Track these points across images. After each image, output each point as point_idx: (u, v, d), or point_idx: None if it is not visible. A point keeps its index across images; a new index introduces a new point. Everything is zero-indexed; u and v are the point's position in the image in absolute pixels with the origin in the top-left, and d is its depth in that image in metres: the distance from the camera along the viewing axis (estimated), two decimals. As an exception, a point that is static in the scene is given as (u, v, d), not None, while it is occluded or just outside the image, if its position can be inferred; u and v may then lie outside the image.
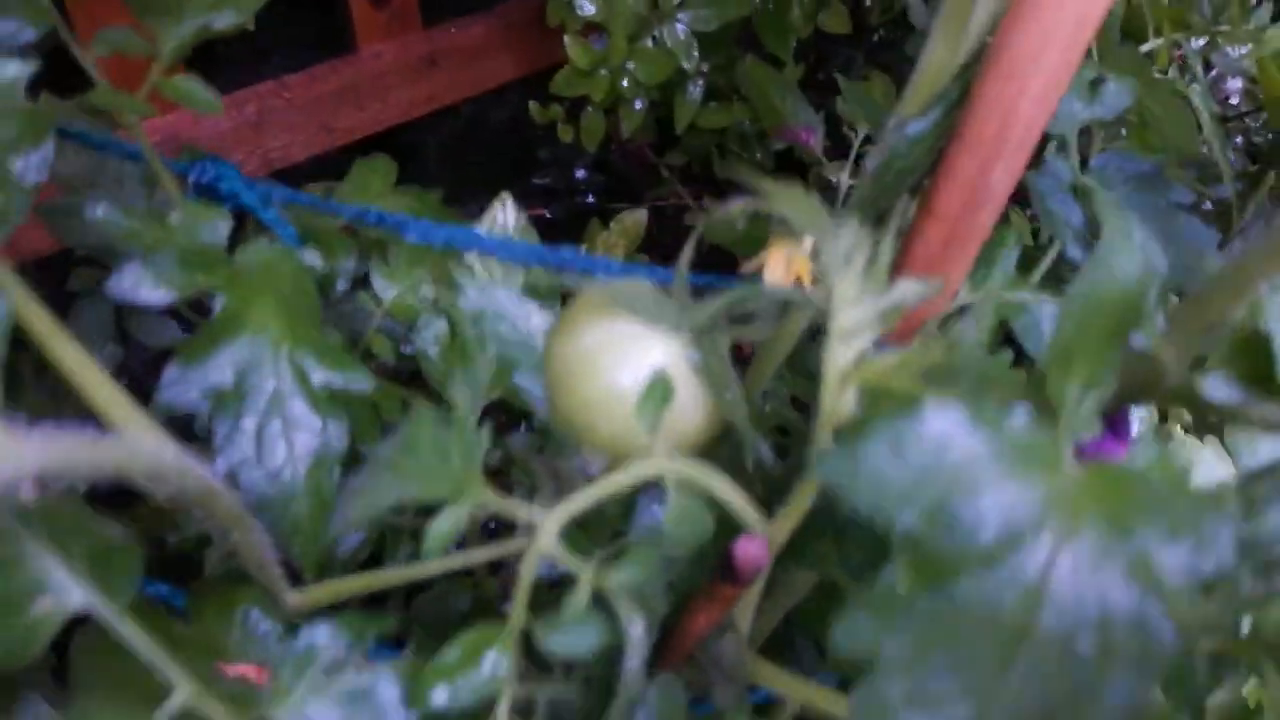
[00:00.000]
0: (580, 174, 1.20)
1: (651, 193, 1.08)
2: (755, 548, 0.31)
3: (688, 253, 0.36)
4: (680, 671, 0.37)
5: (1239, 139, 0.88)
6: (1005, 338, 0.59)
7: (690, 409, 0.32)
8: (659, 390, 0.30)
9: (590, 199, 1.17)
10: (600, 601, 0.29)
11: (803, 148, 0.81)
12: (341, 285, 0.59)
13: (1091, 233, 0.51)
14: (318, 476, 0.44)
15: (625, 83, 0.76)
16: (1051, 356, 0.25)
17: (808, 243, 0.40)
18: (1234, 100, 1.13)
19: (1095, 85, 0.50)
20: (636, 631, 0.28)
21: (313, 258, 0.54)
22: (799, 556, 0.38)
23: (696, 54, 0.77)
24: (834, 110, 0.95)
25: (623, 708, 0.31)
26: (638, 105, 0.79)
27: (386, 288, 0.58)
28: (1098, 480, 0.24)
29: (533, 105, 0.85)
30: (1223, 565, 0.23)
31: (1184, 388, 0.31)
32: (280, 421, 0.44)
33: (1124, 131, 0.57)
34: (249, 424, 0.42)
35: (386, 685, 0.30)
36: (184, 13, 0.49)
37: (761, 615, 0.42)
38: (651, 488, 0.38)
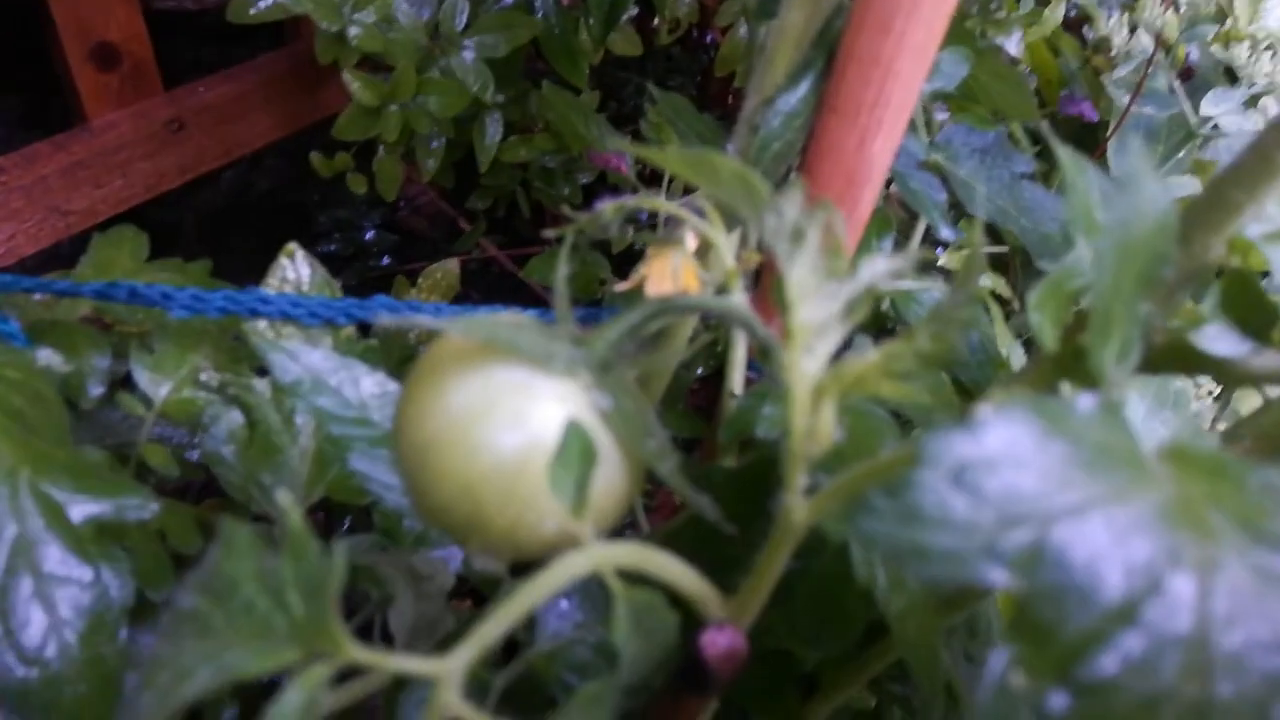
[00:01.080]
0: (369, 235, 1.09)
1: (452, 247, 0.99)
2: (726, 638, 0.23)
3: (563, 269, 0.28)
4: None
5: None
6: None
7: (607, 463, 0.24)
8: (577, 450, 0.21)
9: (385, 261, 1.06)
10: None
11: (615, 174, 0.75)
12: (95, 389, 0.46)
13: (954, 209, 0.47)
14: (95, 646, 0.32)
15: (419, 119, 0.67)
16: (1093, 325, 0.19)
17: (691, 246, 0.33)
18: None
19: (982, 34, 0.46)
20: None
21: (49, 358, 0.42)
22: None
23: (489, 83, 0.69)
24: (637, 136, 0.90)
25: None
26: (434, 144, 0.70)
27: (155, 383, 0.46)
28: (1187, 473, 0.18)
29: (314, 157, 0.74)
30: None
31: (1177, 346, 0.26)
32: (31, 579, 0.31)
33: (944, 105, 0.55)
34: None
35: None
36: None
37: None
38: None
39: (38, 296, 0.48)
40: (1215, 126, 0.63)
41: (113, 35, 0.87)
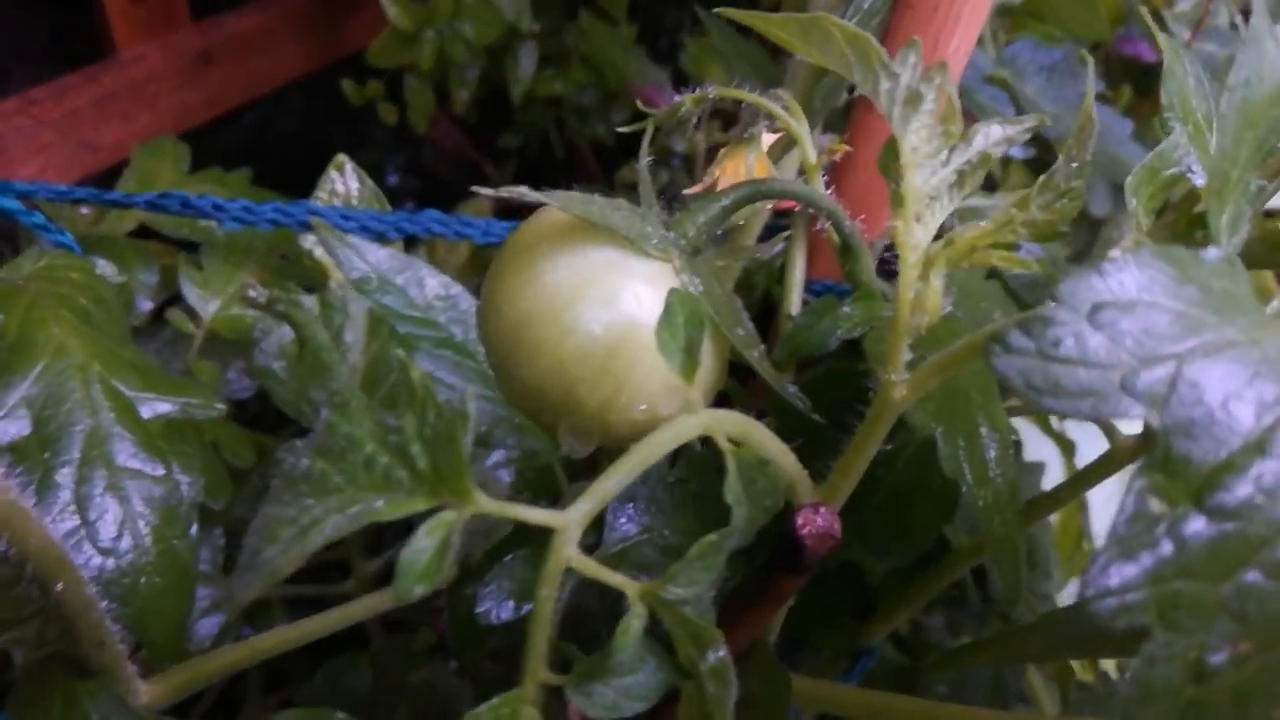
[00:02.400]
0: (392, 180, 1.10)
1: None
2: (822, 518, 0.24)
3: (645, 163, 0.28)
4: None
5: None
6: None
7: (706, 354, 0.24)
8: (683, 313, 0.22)
9: (408, 206, 1.07)
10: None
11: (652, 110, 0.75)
12: (144, 305, 0.47)
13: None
14: (167, 538, 0.32)
15: (454, 46, 0.67)
16: (1209, 185, 0.20)
17: (766, 142, 0.33)
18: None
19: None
20: (718, 659, 0.20)
21: (104, 268, 0.42)
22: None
23: (527, 10, 0.69)
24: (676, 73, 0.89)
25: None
26: (469, 74, 0.70)
27: (204, 300, 0.46)
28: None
29: (347, 84, 0.74)
30: None
31: (1268, 235, 0.26)
32: (106, 472, 0.32)
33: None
34: (65, 479, 0.30)
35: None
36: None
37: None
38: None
39: (84, 212, 0.48)
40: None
41: (139, -35, 0.87)
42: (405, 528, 0.19)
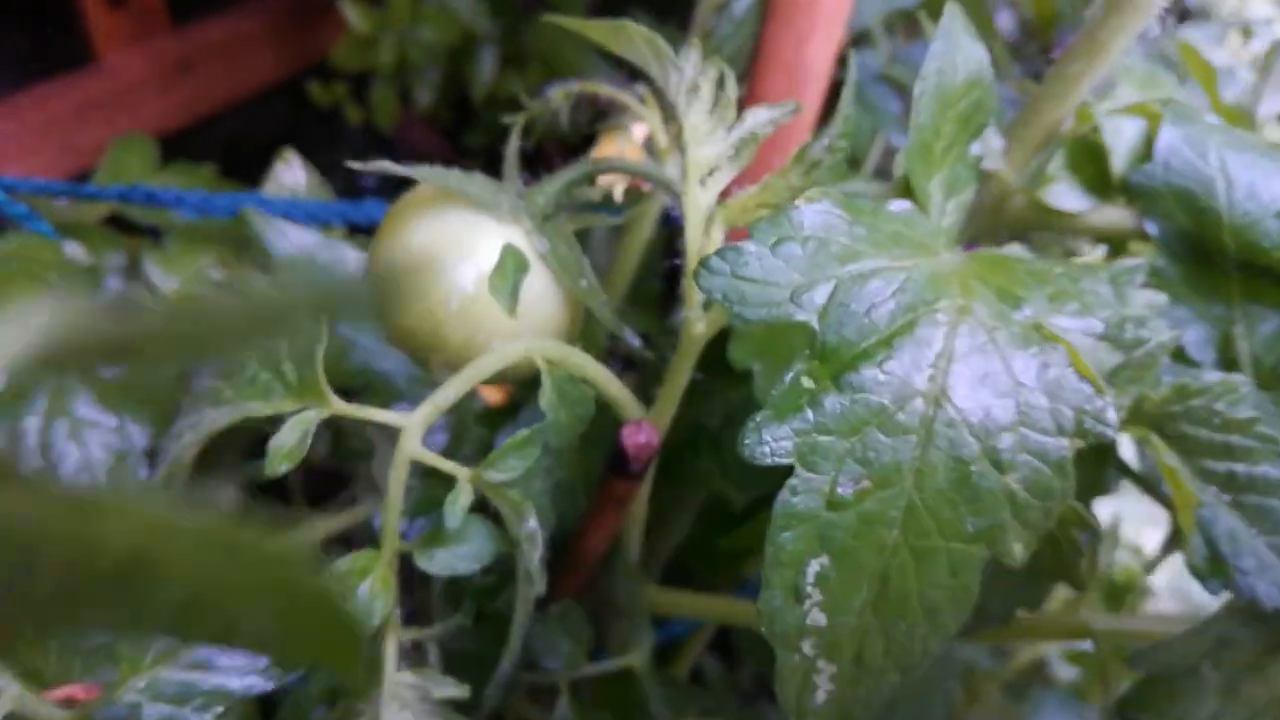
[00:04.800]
0: (367, 181, 1.17)
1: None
2: (643, 433, 0.30)
3: (514, 144, 0.35)
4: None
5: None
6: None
7: (545, 299, 0.31)
8: (511, 263, 0.28)
9: (387, 203, 1.14)
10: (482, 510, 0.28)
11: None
12: (112, 283, 0.54)
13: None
14: (120, 481, 0.39)
15: (413, 50, 0.74)
16: (910, 155, 0.26)
17: (639, 132, 0.39)
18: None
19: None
20: (530, 528, 0.27)
21: (75, 251, 0.49)
22: (681, 477, 0.37)
23: (484, 14, 0.76)
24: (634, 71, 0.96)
25: (519, 634, 0.29)
26: (429, 74, 0.77)
27: (165, 278, 0.53)
28: (979, 263, 0.25)
29: (313, 86, 0.81)
30: (1109, 321, 0.24)
31: (1030, 204, 0.32)
32: (67, 422, 0.39)
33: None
34: (31, 425, 0.37)
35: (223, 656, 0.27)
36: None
37: (652, 548, 0.41)
38: (516, 413, 0.37)
39: (62, 202, 0.55)
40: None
41: (121, -27, 0.95)
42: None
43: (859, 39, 0.53)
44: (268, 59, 1.01)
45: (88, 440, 0.40)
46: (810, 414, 0.21)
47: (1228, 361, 0.31)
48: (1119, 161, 0.31)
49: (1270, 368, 0.31)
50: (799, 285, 0.22)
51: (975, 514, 0.21)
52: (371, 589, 0.26)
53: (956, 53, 0.26)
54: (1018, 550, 0.21)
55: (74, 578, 0.10)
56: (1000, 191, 0.33)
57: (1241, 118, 0.38)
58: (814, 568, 0.21)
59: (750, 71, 0.45)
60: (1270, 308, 0.31)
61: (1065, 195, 0.32)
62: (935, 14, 0.57)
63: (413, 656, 0.30)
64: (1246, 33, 0.73)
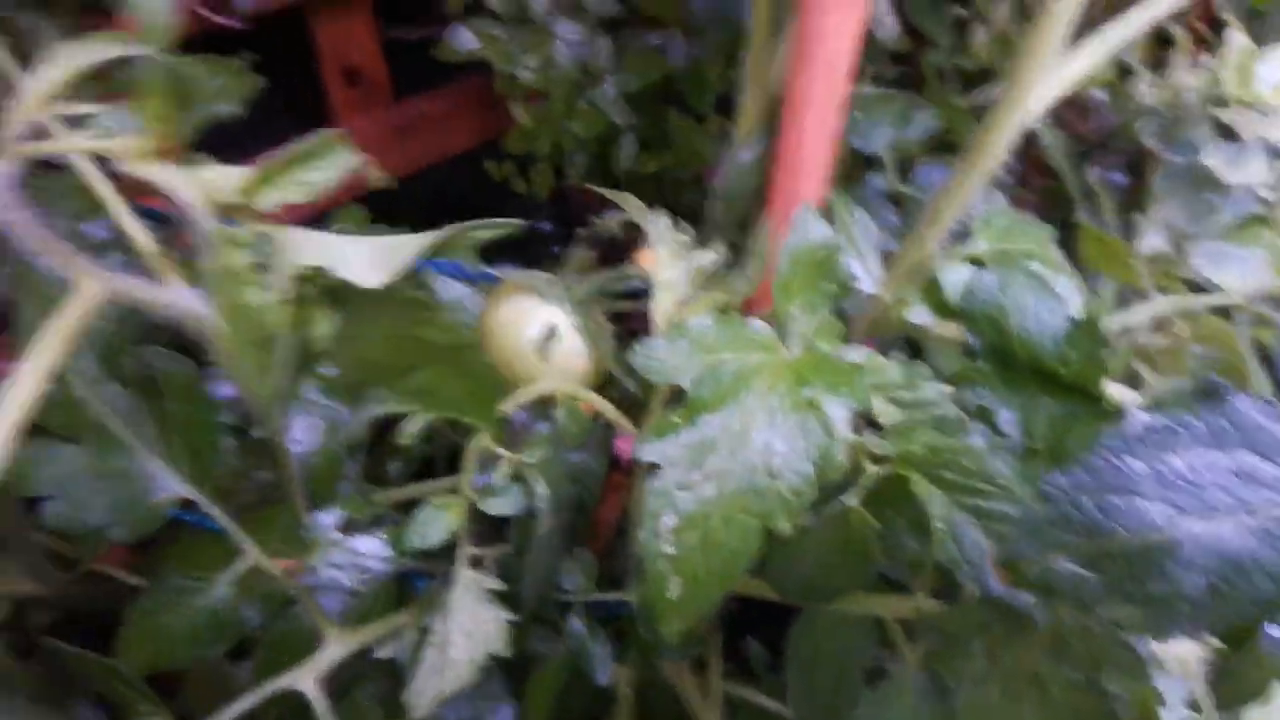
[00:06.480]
0: (546, 226, 1.40)
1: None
2: (627, 443, 0.49)
3: (574, 252, 0.55)
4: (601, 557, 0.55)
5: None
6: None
7: (575, 353, 0.50)
8: (549, 333, 0.48)
9: (554, 249, 1.37)
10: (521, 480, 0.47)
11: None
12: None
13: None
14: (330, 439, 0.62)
15: (566, 139, 0.96)
16: (775, 289, 0.44)
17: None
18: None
19: (905, 113, 0.69)
20: (542, 491, 0.46)
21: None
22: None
23: (626, 111, 0.97)
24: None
25: (539, 557, 0.49)
26: (577, 159, 0.99)
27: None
28: (803, 360, 0.42)
29: (489, 164, 1.05)
30: (863, 407, 0.41)
31: (897, 319, 0.49)
32: (302, 403, 0.62)
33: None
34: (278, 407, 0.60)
35: (374, 542, 0.47)
36: (193, 102, 0.69)
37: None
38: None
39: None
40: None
41: (356, 59, 1.22)
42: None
43: (871, 162, 0.70)
44: (461, 131, 1.26)
45: (313, 413, 0.62)
46: (674, 436, 0.40)
47: (1028, 434, 0.46)
48: (951, 294, 0.47)
49: (1053, 439, 0.46)
50: (681, 365, 0.41)
51: (758, 501, 0.39)
52: (450, 518, 0.46)
53: (810, 230, 0.44)
54: (784, 525, 0.39)
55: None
56: (880, 307, 0.49)
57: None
58: (668, 520, 0.39)
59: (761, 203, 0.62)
60: (1053, 399, 0.46)
61: (919, 314, 0.48)
62: (931, 146, 0.73)
63: (477, 562, 0.50)
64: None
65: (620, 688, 0.60)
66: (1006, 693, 0.45)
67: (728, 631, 0.71)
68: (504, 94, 0.96)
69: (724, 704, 0.69)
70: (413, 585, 0.51)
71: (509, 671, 0.56)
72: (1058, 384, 0.46)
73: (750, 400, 0.40)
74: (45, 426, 0.46)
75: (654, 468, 0.40)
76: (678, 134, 1.00)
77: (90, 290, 0.35)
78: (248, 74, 0.48)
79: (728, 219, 0.62)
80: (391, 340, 0.40)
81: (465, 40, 0.98)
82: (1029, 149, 0.85)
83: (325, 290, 0.36)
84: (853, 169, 0.69)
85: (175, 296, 0.42)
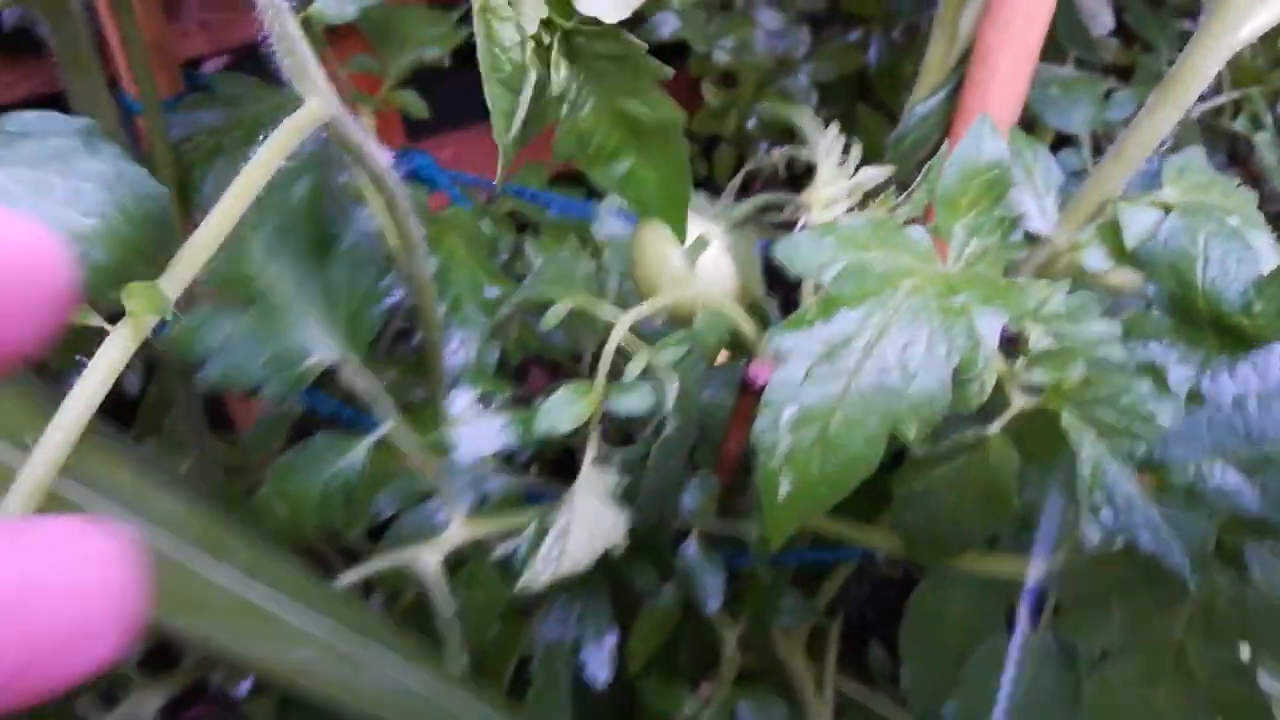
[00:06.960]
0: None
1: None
2: (762, 370, 0.48)
3: (736, 181, 0.55)
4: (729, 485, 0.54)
5: None
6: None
7: (722, 270, 0.50)
8: (699, 243, 0.48)
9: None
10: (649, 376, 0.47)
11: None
12: (503, 256, 0.80)
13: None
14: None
15: (751, 124, 0.96)
16: (938, 201, 0.42)
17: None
18: None
19: (1108, 95, 0.65)
20: (673, 389, 0.46)
21: (486, 226, 0.76)
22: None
23: (814, 101, 0.96)
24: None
25: (662, 457, 0.48)
26: (763, 147, 0.99)
27: (536, 256, 0.79)
28: (959, 273, 0.40)
29: (674, 143, 1.07)
30: (1016, 327, 0.38)
31: (1070, 263, 0.46)
32: (459, 317, 0.64)
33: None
34: (441, 309, 0.63)
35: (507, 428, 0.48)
36: (405, 48, 0.73)
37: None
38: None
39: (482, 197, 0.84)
40: None
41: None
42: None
43: (1067, 140, 0.66)
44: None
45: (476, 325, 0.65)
46: (808, 329, 0.39)
47: (1193, 395, 0.43)
48: (1130, 238, 0.44)
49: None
50: (825, 259, 0.40)
51: (887, 401, 0.37)
52: (582, 406, 0.47)
53: (981, 144, 0.42)
54: (911, 431, 0.37)
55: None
56: (1052, 251, 0.46)
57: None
58: (790, 411, 0.38)
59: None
60: (1234, 357, 0.42)
61: (1094, 257, 0.45)
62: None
63: (604, 458, 0.50)
64: None
65: (727, 647, 0.59)
66: (1143, 672, 0.41)
67: (849, 635, 0.69)
68: (698, 73, 0.98)
69: (835, 698, 0.66)
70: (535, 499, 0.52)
71: (616, 601, 0.56)
72: (1241, 339, 0.42)
73: (894, 299, 0.39)
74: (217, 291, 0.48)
75: (781, 360, 0.39)
76: (867, 129, 0.99)
77: (314, 109, 0.38)
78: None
79: (903, 171, 0.61)
80: (605, 114, 0.41)
81: (668, 24, 1.00)
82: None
83: (563, 39, 0.37)
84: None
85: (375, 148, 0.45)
